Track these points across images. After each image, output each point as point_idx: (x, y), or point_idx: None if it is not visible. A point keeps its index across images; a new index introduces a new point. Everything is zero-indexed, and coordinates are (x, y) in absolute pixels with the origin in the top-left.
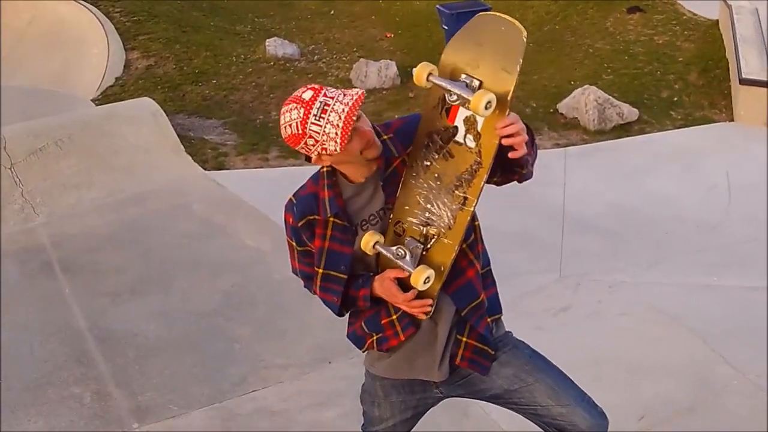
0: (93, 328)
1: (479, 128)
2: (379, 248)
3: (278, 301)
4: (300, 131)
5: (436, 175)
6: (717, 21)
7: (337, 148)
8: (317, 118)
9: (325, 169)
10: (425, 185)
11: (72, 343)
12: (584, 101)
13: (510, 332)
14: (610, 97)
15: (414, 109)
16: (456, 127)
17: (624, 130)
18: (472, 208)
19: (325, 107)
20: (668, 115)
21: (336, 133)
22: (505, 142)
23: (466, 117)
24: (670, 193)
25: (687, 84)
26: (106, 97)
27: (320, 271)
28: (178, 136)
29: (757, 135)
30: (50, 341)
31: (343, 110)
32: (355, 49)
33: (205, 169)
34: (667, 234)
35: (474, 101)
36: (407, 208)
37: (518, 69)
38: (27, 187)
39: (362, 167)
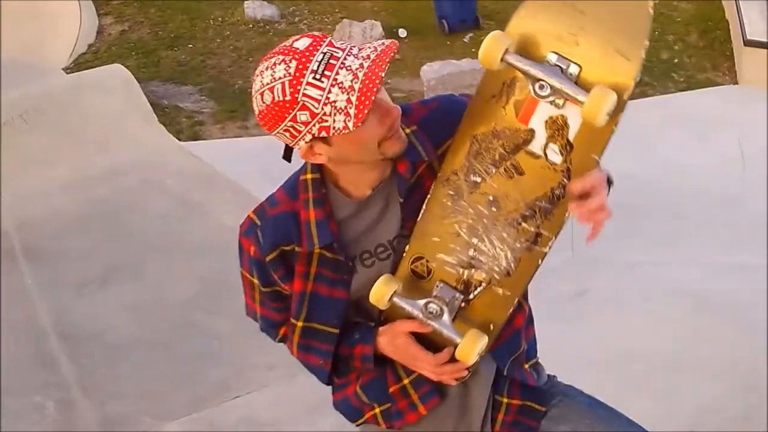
0: (57, 324)
1: (571, 136)
2: (399, 302)
3: None
4: (288, 97)
5: (491, 197)
6: None
7: (351, 126)
8: (318, 76)
9: (309, 175)
10: (471, 211)
11: (33, 342)
12: None
13: (554, 376)
14: None
15: (402, 72)
16: (532, 131)
17: None
18: (546, 249)
19: (331, 61)
20: (670, 77)
21: (349, 101)
22: (580, 219)
23: (551, 118)
24: (682, 161)
25: (687, 45)
26: (78, 65)
27: (300, 324)
28: (151, 104)
29: (764, 98)
30: (9, 340)
31: (362, 65)
32: (337, 10)
33: (180, 140)
34: (682, 208)
35: (592, 105)
36: (437, 240)
37: (643, 55)
38: None
39: (371, 171)
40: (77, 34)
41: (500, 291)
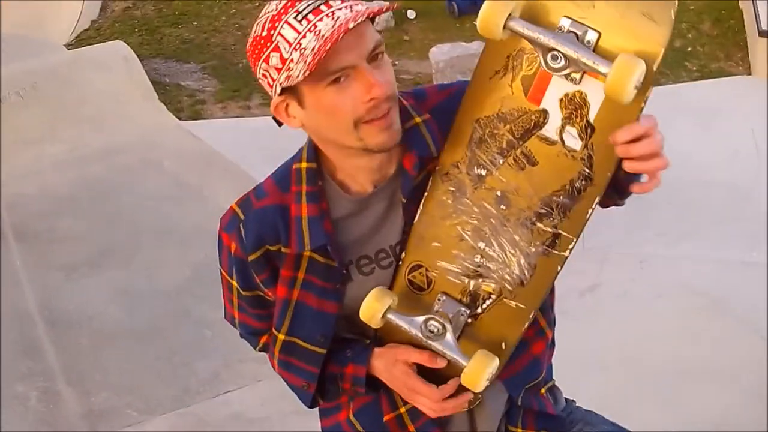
0: (44, 309)
1: (591, 117)
2: (395, 320)
3: None
4: (265, 33)
5: (498, 193)
6: None
7: (300, 74)
8: (300, 18)
9: (305, 164)
10: (476, 210)
11: (19, 327)
12: None
13: (573, 401)
14: None
15: (410, 54)
16: (545, 112)
17: None
18: (566, 253)
19: (322, 7)
20: (683, 66)
21: (314, 49)
22: (629, 167)
23: (567, 95)
24: (694, 152)
25: (700, 34)
26: (80, 41)
27: (282, 336)
28: (152, 82)
29: None
30: None
31: (346, 19)
32: None
33: (180, 119)
34: (695, 202)
35: (616, 76)
36: (437, 245)
37: (673, 16)
38: None
39: (364, 160)
40: (80, 9)
41: (513, 304)
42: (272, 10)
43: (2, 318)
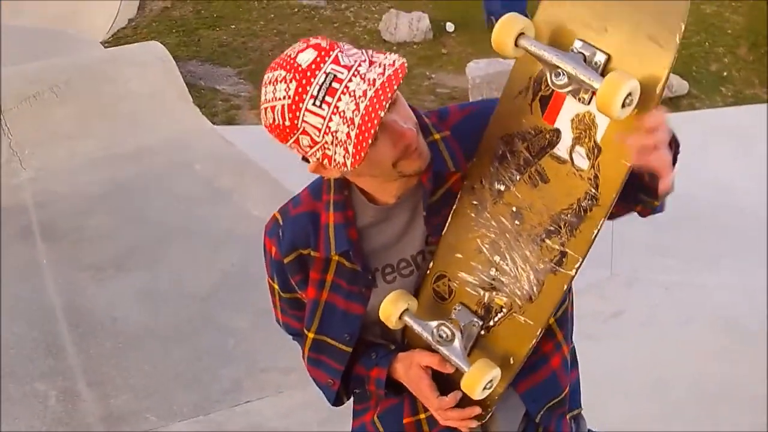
0: (68, 310)
1: (598, 137)
2: (409, 322)
3: None
4: (288, 123)
5: (514, 209)
6: None
7: (349, 165)
8: (318, 102)
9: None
10: (493, 224)
11: (42, 326)
12: None
13: None
14: None
15: (447, 67)
16: (557, 132)
17: (673, 104)
18: (573, 272)
19: (334, 84)
20: (718, 90)
21: (348, 135)
22: (637, 160)
23: (578, 116)
24: (726, 178)
25: (737, 58)
26: (116, 39)
27: (311, 335)
28: (188, 84)
29: None
30: (18, 323)
31: (365, 93)
32: None
33: (214, 123)
34: (726, 227)
35: (604, 91)
36: (460, 257)
37: (678, 41)
38: (16, 137)
39: (393, 182)
40: (118, 7)
41: (522, 319)
42: (285, 99)
43: (27, 316)
